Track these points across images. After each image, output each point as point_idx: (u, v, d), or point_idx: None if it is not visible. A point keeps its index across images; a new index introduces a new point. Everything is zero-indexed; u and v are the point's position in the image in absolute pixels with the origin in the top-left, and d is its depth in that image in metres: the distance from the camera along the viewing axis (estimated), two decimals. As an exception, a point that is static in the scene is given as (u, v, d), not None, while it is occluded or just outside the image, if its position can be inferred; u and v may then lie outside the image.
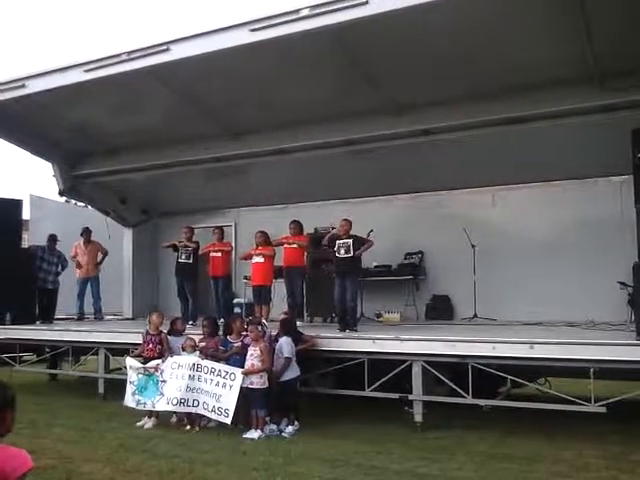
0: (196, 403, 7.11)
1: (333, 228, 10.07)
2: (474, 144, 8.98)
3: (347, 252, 8.23)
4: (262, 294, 9.32)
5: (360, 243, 8.33)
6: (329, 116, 9.12)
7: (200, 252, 10.16)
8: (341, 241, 8.29)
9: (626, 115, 7.60)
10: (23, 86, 8.92)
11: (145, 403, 7.45)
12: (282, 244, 9.53)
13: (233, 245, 11.39)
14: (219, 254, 10.10)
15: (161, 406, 7.32)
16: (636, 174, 6.63)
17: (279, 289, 9.84)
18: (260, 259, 9.28)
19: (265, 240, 9.40)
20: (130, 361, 7.79)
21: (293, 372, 6.96)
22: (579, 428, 6.70)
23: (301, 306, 9.73)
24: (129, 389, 7.62)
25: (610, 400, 6.11)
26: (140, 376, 7.56)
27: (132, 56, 7.98)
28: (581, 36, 6.92)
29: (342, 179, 10.64)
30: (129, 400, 7.60)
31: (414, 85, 8.37)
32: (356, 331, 7.99)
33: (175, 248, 10.22)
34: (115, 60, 8.12)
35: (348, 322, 8.16)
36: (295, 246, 9.42)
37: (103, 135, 11.00)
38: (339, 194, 11.26)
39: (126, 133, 10.68)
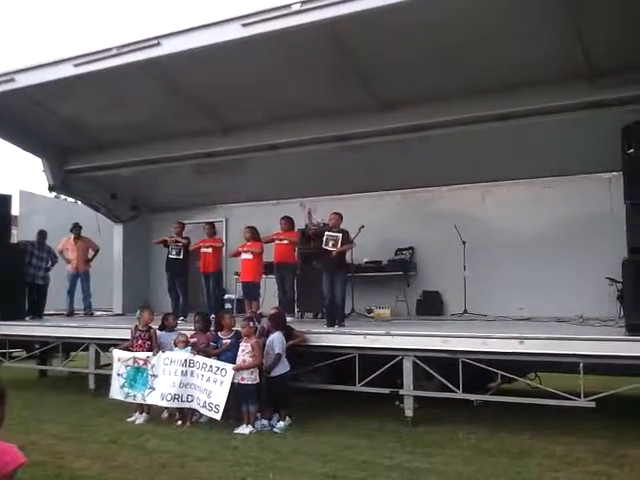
0: (190, 398, 7.11)
1: (324, 224, 10.11)
2: (464, 140, 9.01)
3: (334, 245, 8.23)
4: (251, 290, 9.31)
5: (347, 240, 8.34)
6: (320, 112, 9.11)
7: (190, 248, 10.14)
8: (331, 233, 8.29)
9: (615, 112, 7.64)
10: (12, 80, 8.86)
11: (135, 395, 7.45)
12: (273, 240, 9.55)
13: (224, 241, 11.36)
14: (210, 250, 10.06)
15: (152, 400, 7.32)
16: (626, 170, 6.66)
17: (270, 285, 9.85)
18: (249, 255, 9.28)
19: (253, 235, 9.39)
20: (118, 353, 7.76)
21: (283, 367, 6.97)
22: (569, 423, 6.75)
23: (292, 302, 9.74)
24: (117, 382, 7.60)
25: (599, 395, 6.15)
26: (129, 368, 7.55)
27: (123, 50, 7.95)
28: (571, 33, 6.95)
29: (333, 175, 10.63)
30: (116, 393, 7.59)
31: (405, 81, 8.37)
32: (344, 326, 8.01)
33: (165, 244, 10.20)
34: (105, 54, 8.07)
35: (336, 317, 8.18)
36: (286, 242, 9.45)
37: (94, 130, 10.94)
38: (330, 190, 11.25)
39: (117, 128, 10.62)
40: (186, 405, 7.16)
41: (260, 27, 7.05)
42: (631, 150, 6.53)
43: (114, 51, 7.99)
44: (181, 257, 10.06)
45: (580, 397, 6.15)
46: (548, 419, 6.89)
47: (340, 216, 8.45)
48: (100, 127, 10.76)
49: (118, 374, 7.61)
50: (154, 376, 7.35)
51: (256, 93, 8.91)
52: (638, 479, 5.02)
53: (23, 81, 8.83)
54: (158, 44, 7.70)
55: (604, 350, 6.03)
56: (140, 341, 7.67)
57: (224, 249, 10.82)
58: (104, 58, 8.09)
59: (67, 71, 8.41)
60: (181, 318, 9.32)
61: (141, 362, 7.49)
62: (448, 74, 7.99)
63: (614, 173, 8.56)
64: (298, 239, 9.74)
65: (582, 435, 6.36)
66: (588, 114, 7.99)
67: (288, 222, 9.58)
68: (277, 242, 9.51)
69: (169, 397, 7.15)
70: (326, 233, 8.34)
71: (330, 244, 8.23)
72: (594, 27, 6.86)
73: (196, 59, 7.86)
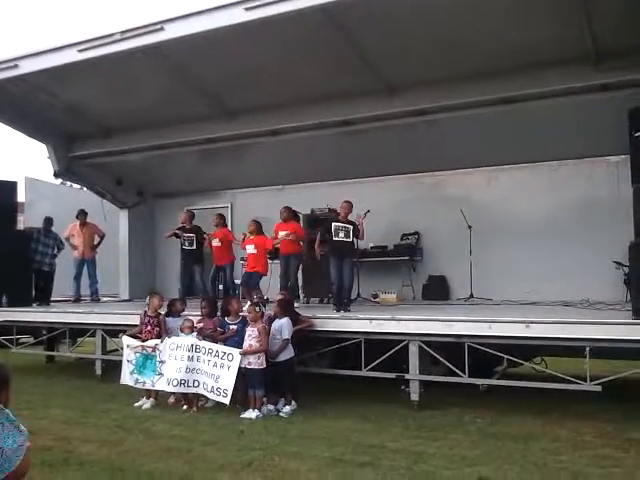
0: (196, 384, 7.15)
1: (329, 209, 10.07)
2: (470, 124, 8.96)
3: (346, 236, 8.23)
4: (253, 279, 9.25)
5: (356, 232, 8.32)
6: (324, 96, 9.09)
7: (205, 244, 10.11)
8: (341, 224, 8.27)
9: (623, 94, 7.60)
10: (16, 66, 8.87)
11: (144, 382, 7.50)
12: (278, 239, 9.37)
13: (229, 227, 11.32)
14: (220, 244, 10.01)
15: (161, 386, 7.36)
16: (633, 153, 6.60)
17: (275, 271, 9.82)
18: (253, 250, 9.22)
19: (256, 229, 9.29)
20: (127, 340, 7.80)
21: (288, 353, 6.98)
22: (575, 407, 6.76)
23: (295, 287, 9.64)
24: (126, 367, 7.65)
25: (606, 379, 6.13)
26: (138, 355, 7.60)
27: (126, 35, 7.92)
28: (580, 15, 6.88)
29: (338, 160, 10.59)
30: (126, 378, 7.65)
31: (409, 65, 8.33)
32: (349, 311, 8.03)
33: (177, 236, 10.20)
34: (109, 40, 8.05)
35: (343, 302, 8.20)
36: (291, 237, 9.24)
37: (98, 116, 10.94)
38: (335, 175, 11.22)
39: (121, 114, 10.62)
40: (192, 390, 7.20)
41: (263, 11, 7.01)
42: (638, 133, 6.47)
43: (117, 36, 7.95)
44: (194, 247, 10.06)
45: (586, 381, 6.14)
46: (554, 403, 6.89)
47: (351, 205, 8.40)
48: (105, 113, 10.76)
49: (128, 360, 7.67)
50: (162, 362, 7.39)
51: (260, 78, 8.87)
52: (644, 462, 5.02)
53: (27, 67, 8.82)
54: (161, 29, 7.68)
55: (610, 334, 6.01)
56: (149, 327, 7.69)
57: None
58: (108, 43, 8.07)
59: (71, 57, 8.39)
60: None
61: (149, 349, 7.53)
62: (453, 57, 7.94)
63: (621, 156, 8.50)
64: (303, 235, 9.52)
65: (588, 419, 6.36)
66: (595, 97, 7.94)
67: (287, 211, 9.43)
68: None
69: (175, 382, 7.19)
70: (333, 224, 8.29)
71: (341, 235, 8.22)
72: (602, 9, 6.79)
73: (199, 44, 7.84)
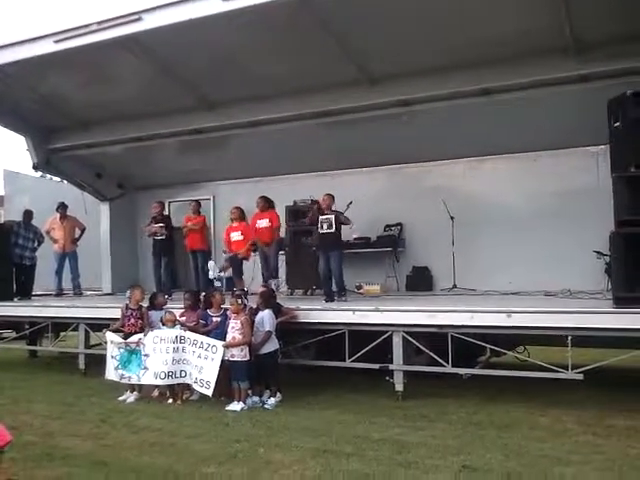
0: (183, 374, 7.18)
1: (312, 201, 10.05)
2: (451, 115, 8.94)
3: (329, 227, 8.29)
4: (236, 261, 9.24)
5: (341, 221, 8.36)
6: (305, 87, 9.02)
7: (183, 227, 10.21)
8: (324, 217, 8.31)
9: (602, 85, 7.62)
10: (-9, 58, 8.70)
11: (130, 377, 7.47)
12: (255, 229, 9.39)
13: (211, 218, 11.35)
14: (196, 227, 10.08)
15: (147, 379, 7.34)
16: (612, 143, 6.65)
17: (258, 263, 9.79)
18: (239, 237, 9.21)
19: (239, 216, 9.30)
20: (111, 336, 7.76)
21: (272, 345, 6.98)
22: (556, 395, 6.83)
23: (276, 269, 9.59)
24: (111, 363, 7.62)
25: (587, 367, 6.21)
26: (122, 350, 7.56)
27: (103, 26, 7.79)
28: (559, 6, 6.90)
29: (321, 151, 10.55)
30: (111, 374, 7.62)
31: (389, 56, 8.29)
32: (345, 301, 8.09)
33: (155, 234, 10.24)
34: (85, 30, 7.91)
35: (335, 292, 8.29)
36: (264, 225, 9.27)
37: (77, 108, 10.78)
38: (318, 167, 11.17)
39: (101, 105, 10.47)
40: (180, 381, 7.21)
41: (241, 1, 6.94)
42: (617, 123, 6.51)
43: (94, 27, 7.83)
44: (164, 237, 10.06)
45: (568, 369, 6.21)
46: (536, 392, 6.96)
47: (332, 197, 8.46)
48: (83, 105, 10.61)
49: (112, 356, 7.63)
50: (146, 355, 7.36)
51: (240, 69, 8.78)
52: (625, 449, 5.09)
53: (2, 58, 8.66)
54: (139, 19, 7.57)
55: (591, 323, 6.09)
56: (132, 320, 7.65)
57: (212, 228, 10.79)
58: (84, 34, 7.93)
59: (47, 48, 8.24)
60: (166, 297, 9.27)
61: (134, 345, 7.49)
62: (434, 48, 7.92)
63: (601, 146, 8.56)
64: (278, 223, 9.50)
65: (569, 407, 6.44)
66: (575, 88, 7.96)
67: (263, 200, 9.42)
68: (257, 227, 9.37)
69: (162, 375, 7.18)
70: (320, 217, 8.35)
71: (325, 226, 8.28)
72: (581, 0, 6.82)
73: (178, 34, 7.75)
